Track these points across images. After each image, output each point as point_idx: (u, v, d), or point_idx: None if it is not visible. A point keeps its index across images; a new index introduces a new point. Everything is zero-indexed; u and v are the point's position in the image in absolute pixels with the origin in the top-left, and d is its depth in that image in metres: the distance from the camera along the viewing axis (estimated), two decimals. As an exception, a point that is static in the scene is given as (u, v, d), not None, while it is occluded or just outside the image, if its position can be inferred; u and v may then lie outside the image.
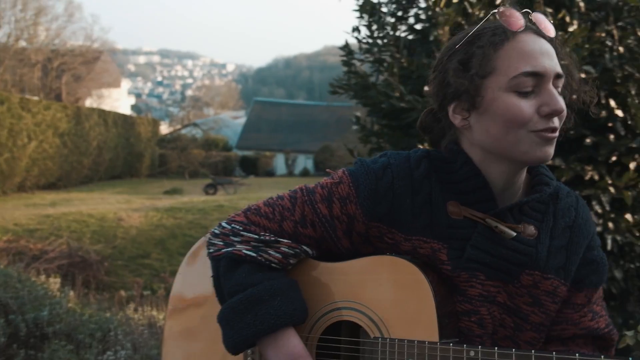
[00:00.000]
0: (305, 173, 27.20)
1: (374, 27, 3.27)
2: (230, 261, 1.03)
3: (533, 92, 0.91)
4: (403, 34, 3.33)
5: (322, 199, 1.02)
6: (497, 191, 0.99)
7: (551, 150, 0.93)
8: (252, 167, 27.54)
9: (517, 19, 0.92)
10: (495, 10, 0.94)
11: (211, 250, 1.07)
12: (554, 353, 0.84)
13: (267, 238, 1.03)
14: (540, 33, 0.94)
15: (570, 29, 2.53)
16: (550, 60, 0.92)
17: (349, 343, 1.04)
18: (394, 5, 3.48)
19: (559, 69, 0.93)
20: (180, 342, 1.20)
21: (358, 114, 3.76)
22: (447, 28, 2.64)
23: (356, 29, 3.37)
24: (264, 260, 1.03)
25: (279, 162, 29.98)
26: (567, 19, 2.59)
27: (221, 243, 1.05)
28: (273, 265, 1.03)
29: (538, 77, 0.91)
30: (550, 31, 0.94)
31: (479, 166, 0.98)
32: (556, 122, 0.92)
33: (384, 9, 3.37)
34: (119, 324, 4.22)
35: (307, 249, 1.05)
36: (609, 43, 2.63)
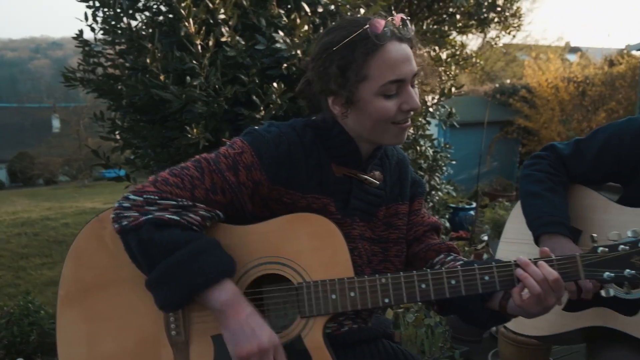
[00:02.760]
0: (-1, 185, 23.34)
1: (103, 16, 3.12)
2: (154, 226, 1.04)
3: (396, 93, 1.15)
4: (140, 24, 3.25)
5: (227, 167, 1.11)
6: (365, 155, 1.25)
7: (405, 136, 1.21)
8: None
9: (383, 28, 1.12)
10: (366, 18, 1.14)
11: (125, 223, 1.05)
12: (443, 269, 1.11)
13: (185, 203, 1.07)
14: (401, 38, 1.15)
15: (303, 29, 2.96)
16: (409, 65, 1.15)
17: (273, 292, 1.15)
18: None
19: (415, 68, 1.17)
20: (80, 327, 1.15)
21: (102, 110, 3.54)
22: (195, 25, 2.76)
23: (94, 19, 3.18)
24: (187, 222, 1.07)
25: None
26: (298, 20, 3.01)
27: (136, 214, 1.05)
28: (194, 227, 1.08)
29: (400, 82, 1.15)
30: (410, 31, 1.17)
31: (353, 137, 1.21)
32: (410, 114, 1.19)
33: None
34: None
35: (220, 213, 1.12)
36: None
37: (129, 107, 3.27)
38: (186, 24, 2.69)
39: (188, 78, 2.70)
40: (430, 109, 3.90)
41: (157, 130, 3.21)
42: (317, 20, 3.22)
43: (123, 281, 1.15)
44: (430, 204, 4.46)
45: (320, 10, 3.13)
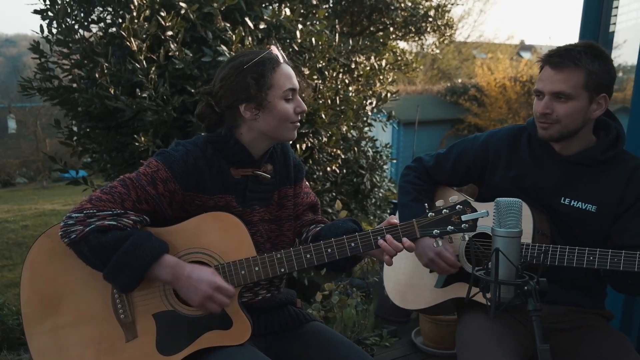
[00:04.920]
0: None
1: (58, 27, 3.28)
2: (98, 232, 1.34)
3: (292, 98, 1.50)
4: (92, 37, 3.43)
5: (147, 183, 1.42)
6: (258, 156, 1.55)
7: (296, 133, 1.55)
8: None
9: (279, 55, 1.50)
10: (267, 48, 1.50)
11: (73, 236, 1.35)
12: (321, 242, 1.44)
13: (118, 212, 1.37)
14: (287, 62, 1.52)
15: (246, 42, 3.24)
16: (295, 80, 1.52)
17: None
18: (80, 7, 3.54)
19: (298, 84, 1.53)
20: (49, 333, 1.44)
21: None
22: (147, 42, 3.00)
23: (49, 30, 3.34)
24: (123, 225, 1.37)
25: None
26: (243, 33, 3.30)
27: (81, 227, 1.34)
28: (129, 228, 1.38)
29: (294, 90, 1.51)
30: (286, 59, 1.53)
31: (248, 143, 1.52)
32: (299, 116, 1.53)
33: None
34: None
35: (147, 218, 1.43)
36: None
37: (85, 115, 3.48)
38: (127, 43, 2.92)
39: (138, 90, 2.95)
40: (369, 113, 4.23)
41: (112, 136, 3.44)
42: (260, 35, 3.50)
43: (74, 283, 1.44)
44: (373, 199, 4.80)
45: (262, 26, 3.40)
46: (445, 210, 1.44)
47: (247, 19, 3.31)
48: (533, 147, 1.75)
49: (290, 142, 1.62)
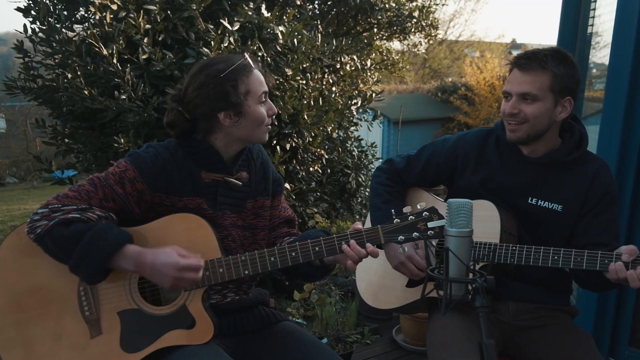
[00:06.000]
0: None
1: (42, 27, 3.28)
2: (62, 225, 1.35)
3: (265, 101, 1.53)
4: (76, 36, 3.41)
5: (115, 182, 1.43)
6: (229, 160, 1.57)
7: (267, 135, 1.57)
8: None
9: (252, 61, 1.52)
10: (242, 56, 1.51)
11: (38, 231, 1.36)
12: (286, 245, 1.46)
13: (84, 206, 1.39)
14: (259, 68, 1.55)
15: (226, 43, 3.25)
16: (265, 83, 1.55)
17: None
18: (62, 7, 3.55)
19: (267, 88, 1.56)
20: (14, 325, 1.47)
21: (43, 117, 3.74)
22: (121, 41, 3.01)
23: (33, 31, 3.35)
24: (86, 218, 1.39)
25: None
26: (221, 35, 3.30)
27: (46, 222, 1.36)
28: (92, 222, 1.40)
29: (266, 93, 1.54)
30: (259, 65, 1.55)
31: (220, 147, 1.54)
32: (271, 119, 1.56)
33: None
34: None
35: (113, 215, 1.45)
36: (259, 54, 3.45)
37: (68, 115, 3.49)
38: (96, 49, 2.92)
39: (116, 92, 2.96)
40: (355, 113, 4.26)
41: (96, 136, 3.46)
42: (239, 35, 3.49)
43: (41, 279, 1.46)
44: (359, 199, 4.84)
45: (236, 27, 3.39)
46: (411, 217, 1.45)
47: (222, 21, 3.30)
48: (501, 149, 1.78)
49: (262, 143, 1.64)
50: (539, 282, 1.74)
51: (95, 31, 2.89)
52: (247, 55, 1.53)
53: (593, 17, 3.11)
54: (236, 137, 1.54)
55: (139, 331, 1.46)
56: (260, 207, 1.66)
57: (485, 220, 1.66)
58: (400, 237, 1.45)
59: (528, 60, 1.64)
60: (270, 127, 1.58)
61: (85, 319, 1.47)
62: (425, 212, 1.44)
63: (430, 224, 1.43)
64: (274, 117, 1.59)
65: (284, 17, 3.59)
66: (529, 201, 1.72)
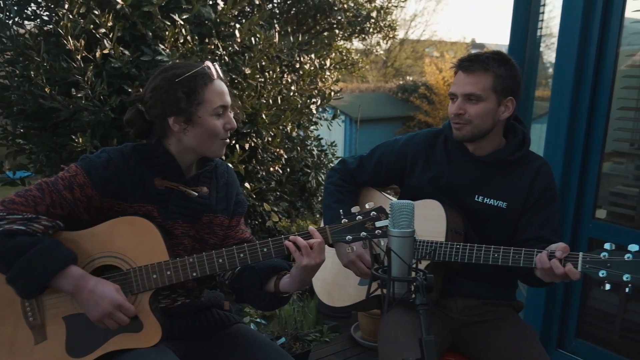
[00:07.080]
0: None
1: None
2: (5, 237, 1.32)
3: (222, 115, 1.50)
4: (26, 33, 3.29)
5: (64, 187, 1.41)
6: (185, 169, 1.55)
7: (224, 150, 1.55)
8: None
9: (213, 71, 1.49)
10: (203, 63, 1.49)
11: None
12: (234, 247, 1.46)
13: (29, 216, 1.36)
14: (221, 78, 1.52)
15: (181, 40, 3.21)
16: (227, 97, 1.51)
17: (110, 278, 1.45)
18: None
19: (230, 101, 1.52)
20: None
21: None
22: (82, 41, 2.94)
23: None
24: (32, 231, 1.35)
25: None
26: (176, 31, 3.25)
27: None
28: (38, 234, 1.37)
29: (225, 107, 1.51)
30: (221, 74, 1.52)
31: (175, 154, 1.52)
32: (229, 133, 1.53)
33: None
34: None
35: (60, 222, 1.42)
36: (217, 52, 3.43)
37: (19, 114, 3.39)
38: (64, 42, 2.86)
39: (73, 90, 2.89)
40: (315, 112, 4.28)
41: (49, 137, 3.37)
42: (195, 32, 3.46)
43: None
44: (320, 198, 4.87)
45: (183, 21, 3.34)
46: (359, 216, 1.47)
47: (173, 15, 3.25)
48: (449, 149, 1.84)
49: (218, 156, 1.60)
50: (485, 278, 1.80)
51: (63, 23, 2.81)
52: (211, 65, 1.51)
53: (542, 20, 3.23)
54: (187, 145, 1.52)
55: (85, 335, 1.44)
56: (217, 225, 1.64)
57: (432, 220, 1.71)
58: (348, 237, 1.47)
59: (471, 62, 1.72)
60: (227, 141, 1.55)
61: (29, 325, 1.44)
62: (373, 212, 1.47)
63: (377, 224, 1.46)
64: (231, 131, 1.56)
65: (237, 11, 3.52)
66: (476, 199, 1.78)
